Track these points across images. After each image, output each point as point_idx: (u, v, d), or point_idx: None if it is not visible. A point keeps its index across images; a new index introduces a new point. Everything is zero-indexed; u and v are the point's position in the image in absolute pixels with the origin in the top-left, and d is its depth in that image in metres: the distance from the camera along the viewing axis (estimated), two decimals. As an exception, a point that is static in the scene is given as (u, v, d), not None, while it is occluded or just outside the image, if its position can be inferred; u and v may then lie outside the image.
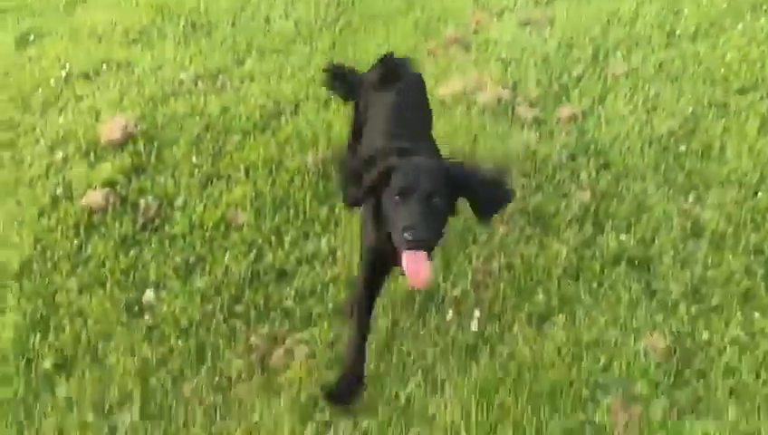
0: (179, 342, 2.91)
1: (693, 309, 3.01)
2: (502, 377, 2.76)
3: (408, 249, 2.25)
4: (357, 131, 3.26)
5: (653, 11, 5.18)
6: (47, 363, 2.83)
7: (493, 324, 2.98)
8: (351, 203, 2.54)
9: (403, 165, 2.38)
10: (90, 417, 2.63)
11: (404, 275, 2.29)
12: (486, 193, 2.43)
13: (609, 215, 3.47)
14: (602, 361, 2.83)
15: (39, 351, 2.88)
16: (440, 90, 4.34)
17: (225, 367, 2.83)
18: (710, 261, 3.22)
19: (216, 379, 2.79)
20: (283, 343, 2.90)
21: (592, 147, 3.90)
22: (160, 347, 2.90)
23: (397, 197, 2.30)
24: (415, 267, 2.26)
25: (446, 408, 2.67)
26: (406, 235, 2.21)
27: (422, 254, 2.27)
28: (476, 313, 3.03)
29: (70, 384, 2.76)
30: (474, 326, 2.98)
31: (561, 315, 3.01)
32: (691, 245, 3.31)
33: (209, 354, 2.87)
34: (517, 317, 3.00)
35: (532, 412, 2.64)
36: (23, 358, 2.85)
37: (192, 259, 3.27)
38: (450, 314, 3.02)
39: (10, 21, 5.44)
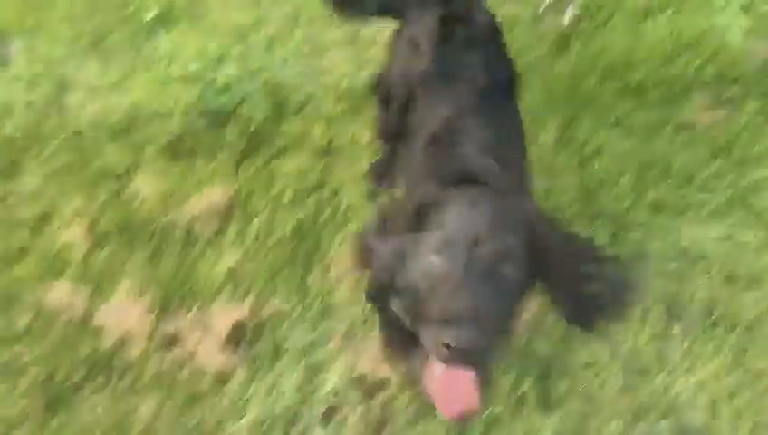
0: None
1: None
2: (591, 67, 2.74)
3: (446, 362, 1.25)
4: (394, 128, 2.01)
5: None
6: (149, 15, 2.93)
7: (589, 20, 2.89)
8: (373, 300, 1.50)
9: (449, 202, 1.38)
10: (193, 66, 2.76)
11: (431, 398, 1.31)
12: (582, 284, 1.40)
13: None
14: (698, 63, 2.76)
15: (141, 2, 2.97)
16: None
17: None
18: None
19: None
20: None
21: None
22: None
23: (433, 258, 1.30)
24: (450, 395, 1.29)
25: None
26: (443, 336, 1.21)
27: (466, 375, 1.28)
28: (571, 7, 2.92)
29: (172, 36, 2.87)
30: (566, 20, 2.89)
31: (666, 12, 2.87)
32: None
33: None
34: (617, 12, 2.89)
35: (615, 103, 2.65)
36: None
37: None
38: (544, 5, 2.93)
39: None
